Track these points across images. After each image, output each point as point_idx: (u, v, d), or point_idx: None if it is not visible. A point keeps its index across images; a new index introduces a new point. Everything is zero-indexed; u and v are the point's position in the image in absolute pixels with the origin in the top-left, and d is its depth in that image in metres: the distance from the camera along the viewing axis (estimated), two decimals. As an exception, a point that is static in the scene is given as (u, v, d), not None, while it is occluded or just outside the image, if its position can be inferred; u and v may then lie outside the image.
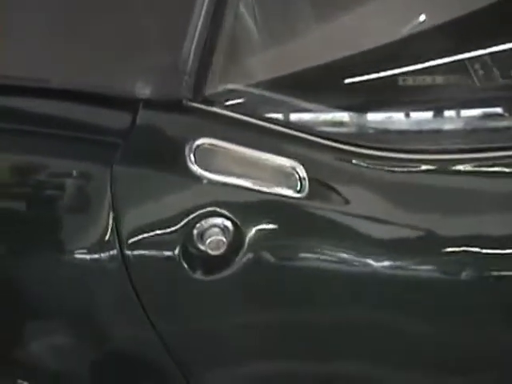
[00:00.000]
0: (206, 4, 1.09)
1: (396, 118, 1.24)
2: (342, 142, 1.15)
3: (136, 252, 1.09)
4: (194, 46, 1.09)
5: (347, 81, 1.23)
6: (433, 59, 1.31)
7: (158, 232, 1.09)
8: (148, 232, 1.09)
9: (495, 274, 1.14)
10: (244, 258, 1.10)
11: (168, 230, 1.09)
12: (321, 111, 1.21)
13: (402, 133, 1.23)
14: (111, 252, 1.09)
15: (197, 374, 1.18)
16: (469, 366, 1.20)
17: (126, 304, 1.11)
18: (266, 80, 1.19)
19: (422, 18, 1.39)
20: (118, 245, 1.08)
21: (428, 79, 1.30)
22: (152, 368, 1.18)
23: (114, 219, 1.08)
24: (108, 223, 1.08)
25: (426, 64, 1.31)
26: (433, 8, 1.37)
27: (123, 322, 1.14)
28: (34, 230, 1.11)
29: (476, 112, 1.29)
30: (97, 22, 1.09)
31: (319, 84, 1.21)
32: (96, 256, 1.09)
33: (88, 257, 1.10)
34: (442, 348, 1.17)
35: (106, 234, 1.08)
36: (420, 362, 1.18)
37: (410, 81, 1.29)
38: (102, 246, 1.08)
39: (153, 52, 1.09)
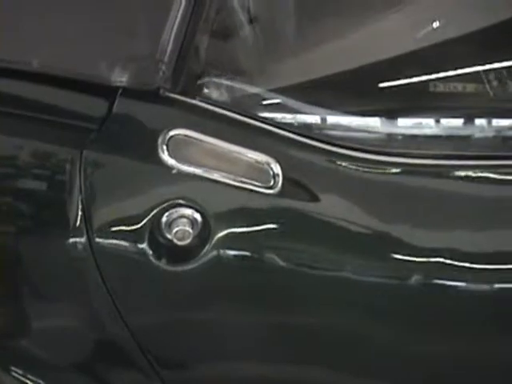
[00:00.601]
0: None
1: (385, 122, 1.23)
2: (321, 141, 1.13)
3: (104, 239, 1.09)
4: (172, 36, 1.09)
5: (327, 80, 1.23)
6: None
7: (126, 220, 1.09)
8: (116, 219, 1.09)
9: (466, 284, 1.11)
10: (210, 251, 1.09)
11: (136, 219, 1.09)
12: (303, 110, 1.20)
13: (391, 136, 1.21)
14: (80, 239, 1.09)
15: (164, 365, 1.17)
16: (440, 377, 1.16)
17: (94, 293, 1.12)
18: (249, 75, 1.19)
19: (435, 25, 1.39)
20: (86, 231, 1.09)
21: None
22: (121, 358, 1.18)
23: (84, 205, 1.08)
24: (78, 209, 1.09)
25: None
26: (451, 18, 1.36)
27: (92, 309, 1.14)
28: (3, 213, 1.12)
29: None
30: (77, 8, 1.10)
31: (302, 81, 1.21)
32: (65, 242, 1.09)
33: (58, 243, 1.10)
34: (415, 358, 1.14)
35: (75, 220, 1.09)
36: (392, 373, 1.16)
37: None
38: (71, 232, 1.09)
39: (131, 40, 1.09)
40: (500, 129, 1.29)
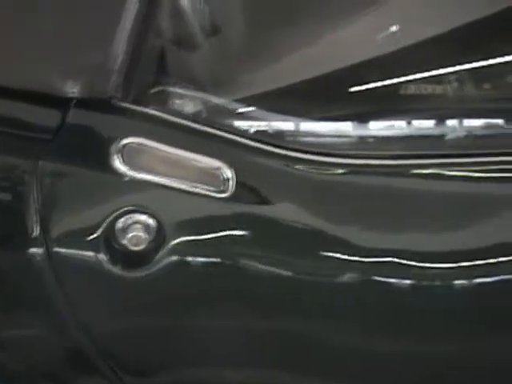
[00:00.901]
0: (137, 3, 1.11)
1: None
2: (275, 146, 1.15)
3: (62, 249, 1.11)
4: (123, 46, 1.10)
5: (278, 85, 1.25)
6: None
7: (82, 228, 1.11)
8: (72, 228, 1.11)
9: (419, 283, 1.12)
10: (165, 256, 1.10)
11: (92, 227, 1.11)
12: (257, 116, 1.22)
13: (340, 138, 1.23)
14: (39, 249, 1.11)
15: (127, 371, 1.18)
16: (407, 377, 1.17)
17: (55, 301, 1.13)
18: (200, 82, 1.21)
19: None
20: (44, 241, 1.11)
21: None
22: (85, 365, 1.19)
23: (41, 215, 1.10)
24: (35, 219, 1.11)
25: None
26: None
27: (54, 318, 1.15)
28: None
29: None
30: (27, 19, 1.12)
31: (254, 88, 1.23)
32: (25, 252, 1.11)
33: (16, 253, 1.12)
34: (375, 358, 1.15)
35: (33, 231, 1.11)
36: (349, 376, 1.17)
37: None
38: (30, 242, 1.11)
39: (82, 50, 1.11)
40: (467, 129, 1.30)
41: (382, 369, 1.16)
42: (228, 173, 1.11)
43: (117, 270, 1.11)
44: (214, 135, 1.14)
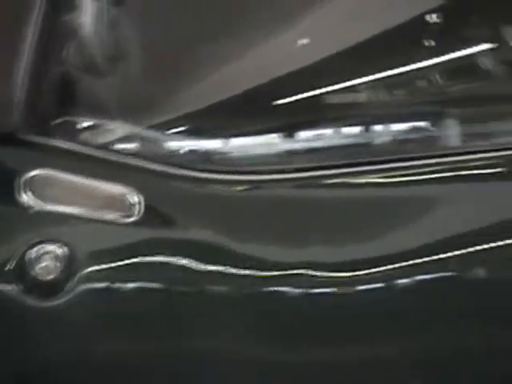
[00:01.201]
0: (36, 34, 1.12)
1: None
2: (182, 168, 1.16)
3: None
4: (24, 79, 1.11)
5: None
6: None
7: None
8: None
9: (329, 293, 1.13)
10: (77, 284, 1.11)
11: (4, 260, 1.11)
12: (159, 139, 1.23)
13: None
14: None
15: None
16: None
17: None
18: (109, 110, 1.22)
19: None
20: None
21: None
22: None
23: None
24: None
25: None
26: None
27: None
28: None
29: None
30: None
31: (170, 112, 1.24)
32: None
33: None
34: (295, 369, 1.15)
35: None
36: None
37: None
38: None
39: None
40: (391, 134, 1.31)
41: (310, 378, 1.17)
42: (135, 198, 1.12)
43: (30, 300, 1.12)
44: (121, 162, 1.16)
